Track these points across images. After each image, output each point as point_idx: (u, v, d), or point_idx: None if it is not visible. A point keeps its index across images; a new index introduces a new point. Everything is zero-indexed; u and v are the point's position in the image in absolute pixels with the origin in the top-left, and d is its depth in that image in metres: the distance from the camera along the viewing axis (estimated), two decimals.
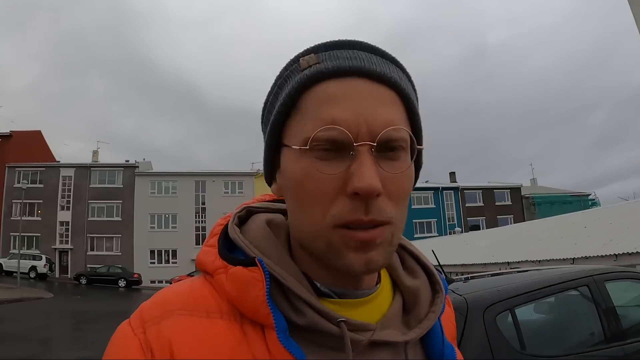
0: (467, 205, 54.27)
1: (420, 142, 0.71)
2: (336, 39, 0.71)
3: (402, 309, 0.76)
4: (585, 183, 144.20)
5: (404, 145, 0.66)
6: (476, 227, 48.14)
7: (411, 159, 0.68)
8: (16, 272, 33.22)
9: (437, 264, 4.61)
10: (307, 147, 0.63)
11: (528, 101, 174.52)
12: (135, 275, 40.31)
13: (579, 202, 53.25)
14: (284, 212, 0.80)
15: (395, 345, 0.70)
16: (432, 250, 5.13)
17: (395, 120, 0.65)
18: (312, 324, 0.65)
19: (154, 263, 47.03)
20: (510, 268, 12.88)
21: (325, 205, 0.63)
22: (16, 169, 48.25)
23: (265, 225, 0.75)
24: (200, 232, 48.03)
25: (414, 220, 51.93)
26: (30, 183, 44.36)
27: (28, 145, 50.58)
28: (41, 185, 48.01)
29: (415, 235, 48.84)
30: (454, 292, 3.60)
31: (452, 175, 58.48)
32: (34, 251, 43.16)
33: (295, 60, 0.70)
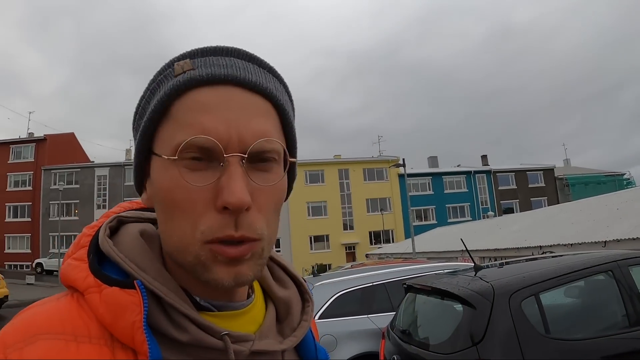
0: (500, 188, 53.49)
1: (293, 154, 0.72)
2: (214, 45, 0.69)
3: (276, 318, 0.77)
4: (621, 162, 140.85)
5: (276, 157, 0.66)
6: (510, 210, 47.59)
7: (284, 171, 0.68)
8: (57, 271, 34.13)
9: (465, 250, 4.77)
10: (176, 156, 0.62)
11: (558, 80, 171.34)
12: None
13: (614, 181, 52.11)
14: (154, 222, 0.77)
15: (273, 354, 0.72)
16: (461, 239, 5.29)
17: (269, 131, 0.65)
18: (195, 340, 0.64)
19: None
20: (543, 252, 12.86)
21: (194, 218, 0.62)
22: (52, 171, 49.36)
23: (140, 237, 0.72)
24: None
25: (447, 205, 51.63)
26: (67, 184, 45.54)
27: (62, 148, 51.77)
28: (77, 186, 49.11)
29: (449, 220, 48.53)
30: (481, 279, 3.74)
31: (484, 158, 57.64)
32: None
33: (170, 64, 0.68)
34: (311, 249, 48.68)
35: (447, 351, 3.43)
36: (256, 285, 0.79)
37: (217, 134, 0.61)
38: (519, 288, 3.43)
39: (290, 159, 0.70)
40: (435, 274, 5.33)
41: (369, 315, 6.39)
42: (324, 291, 6.61)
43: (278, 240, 47.13)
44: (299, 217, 48.09)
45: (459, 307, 3.68)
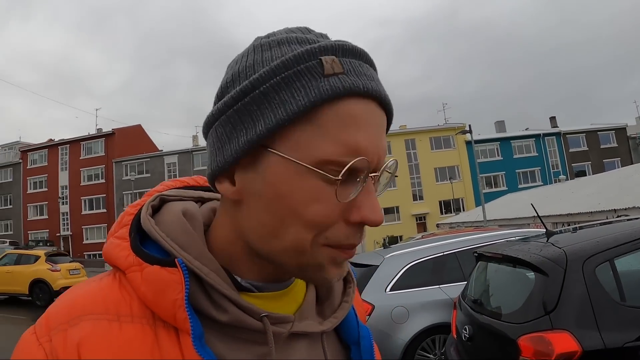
0: (570, 150, 51.56)
1: None
2: (344, 40, 0.64)
3: (316, 299, 0.77)
4: None
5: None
6: (582, 173, 45.70)
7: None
8: None
9: (537, 216, 4.66)
10: (321, 169, 0.58)
11: (626, 31, 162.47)
12: None
13: None
14: (196, 200, 0.78)
15: (313, 335, 0.72)
16: (532, 205, 5.18)
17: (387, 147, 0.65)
18: (235, 321, 0.64)
19: None
20: (617, 216, 12.39)
21: (324, 228, 0.61)
22: (123, 162, 51.77)
23: (182, 217, 0.70)
24: None
25: (517, 171, 50.30)
26: (138, 174, 47.36)
27: (131, 140, 54.03)
28: (148, 175, 50.99)
29: (519, 186, 47.37)
30: (553, 245, 3.67)
31: (553, 120, 55.30)
32: None
33: (313, 55, 0.60)
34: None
35: (519, 320, 3.40)
36: None
37: (367, 153, 0.59)
38: (592, 254, 3.33)
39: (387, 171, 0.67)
40: (507, 241, 5.24)
41: (441, 286, 6.35)
42: (395, 263, 6.61)
43: None
44: None
45: (531, 274, 3.63)
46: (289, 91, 0.59)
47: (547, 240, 3.93)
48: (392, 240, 37.11)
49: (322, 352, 0.73)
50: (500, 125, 56.55)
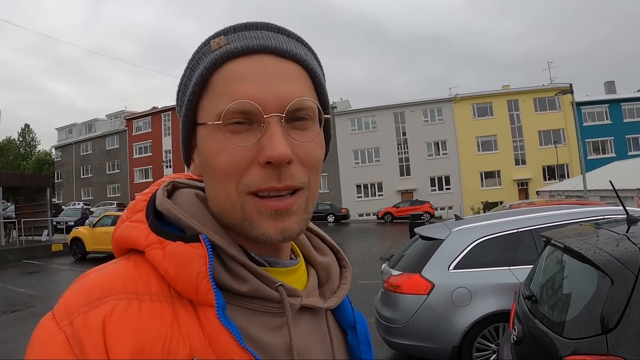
0: None
1: (327, 112, 0.76)
2: (245, 21, 0.73)
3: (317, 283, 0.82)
4: None
5: (311, 115, 0.70)
6: None
7: (320, 127, 0.73)
8: None
9: (616, 195, 3.74)
10: (220, 121, 0.66)
11: None
12: (343, 210, 42.24)
13: None
14: (202, 190, 0.80)
15: (317, 312, 0.79)
16: (610, 181, 4.24)
17: (302, 92, 0.69)
18: (254, 291, 0.68)
19: (360, 197, 48.93)
20: None
21: (239, 175, 0.66)
22: None
23: (196, 198, 0.76)
24: (404, 163, 48.52)
25: (627, 136, 46.42)
26: None
27: None
28: None
29: (629, 153, 43.77)
30: (628, 239, 2.82)
31: None
32: None
33: (206, 43, 0.72)
34: (482, 185, 47.31)
35: (570, 334, 2.62)
36: (298, 252, 0.84)
37: (256, 98, 0.66)
38: None
39: (325, 116, 0.75)
40: (581, 224, 4.31)
41: (511, 267, 5.58)
42: (462, 237, 5.93)
43: (448, 178, 46.34)
44: (468, 152, 47.00)
45: (594, 275, 2.75)
46: (193, 74, 0.71)
47: (627, 230, 3.04)
48: (490, 206, 35.77)
49: (327, 328, 0.79)
50: (609, 85, 52.07)
